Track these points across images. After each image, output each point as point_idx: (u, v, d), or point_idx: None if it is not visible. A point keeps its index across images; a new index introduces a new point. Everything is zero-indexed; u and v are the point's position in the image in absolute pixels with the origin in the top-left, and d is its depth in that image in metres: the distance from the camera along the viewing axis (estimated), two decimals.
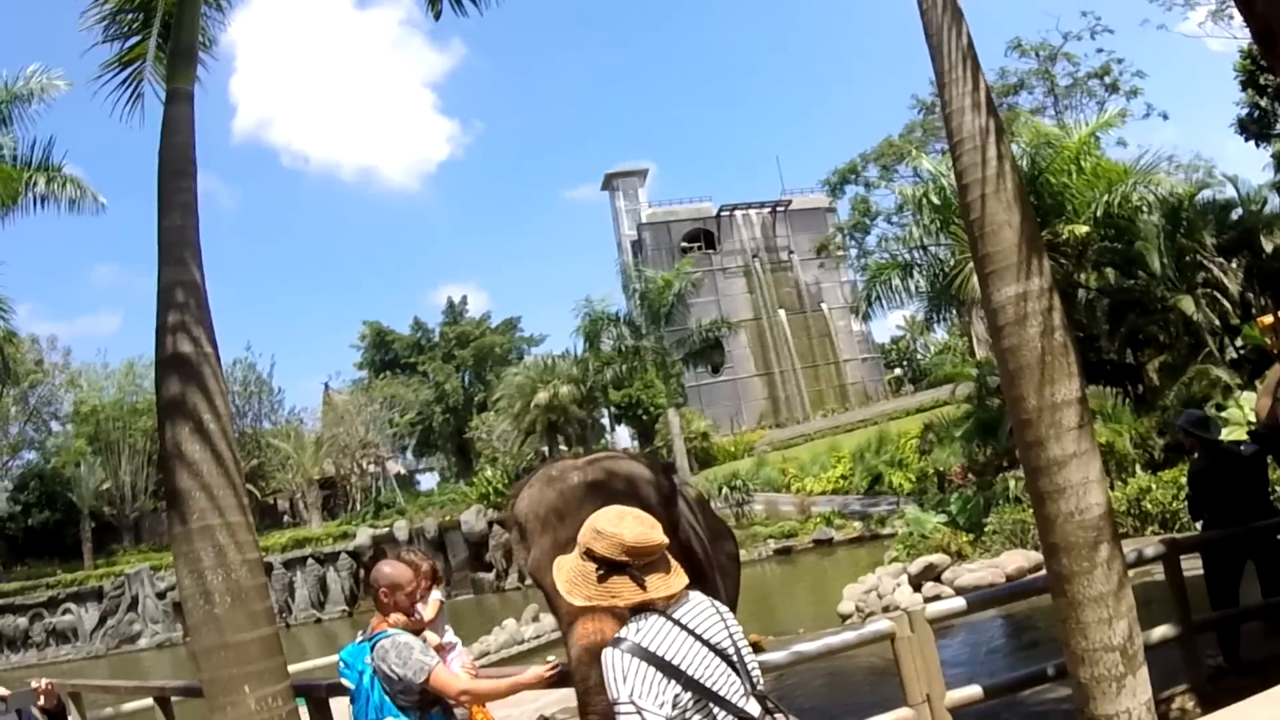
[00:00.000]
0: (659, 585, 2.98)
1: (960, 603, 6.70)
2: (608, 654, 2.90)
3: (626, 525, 3.01)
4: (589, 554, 3.02)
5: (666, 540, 3.06)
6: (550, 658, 4.05)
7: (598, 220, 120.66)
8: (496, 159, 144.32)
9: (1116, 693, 5.35)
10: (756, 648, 5.47)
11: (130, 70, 8.11)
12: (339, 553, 41.41)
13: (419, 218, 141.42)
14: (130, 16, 7.89)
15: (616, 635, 2.96)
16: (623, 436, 60.00)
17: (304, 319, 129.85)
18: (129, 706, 9.87)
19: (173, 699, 8.64)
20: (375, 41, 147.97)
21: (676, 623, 2.96)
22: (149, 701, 8.94)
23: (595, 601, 3.02)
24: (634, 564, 2.97)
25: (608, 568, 2.99)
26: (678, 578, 3.03)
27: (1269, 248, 19.57)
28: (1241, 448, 7.99)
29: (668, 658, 2.87)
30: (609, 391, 49.61)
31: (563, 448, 45.05)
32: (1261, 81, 24.32)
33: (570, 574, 3.08)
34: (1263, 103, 25.61)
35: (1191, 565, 7.17)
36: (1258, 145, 27.32)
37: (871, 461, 36.90)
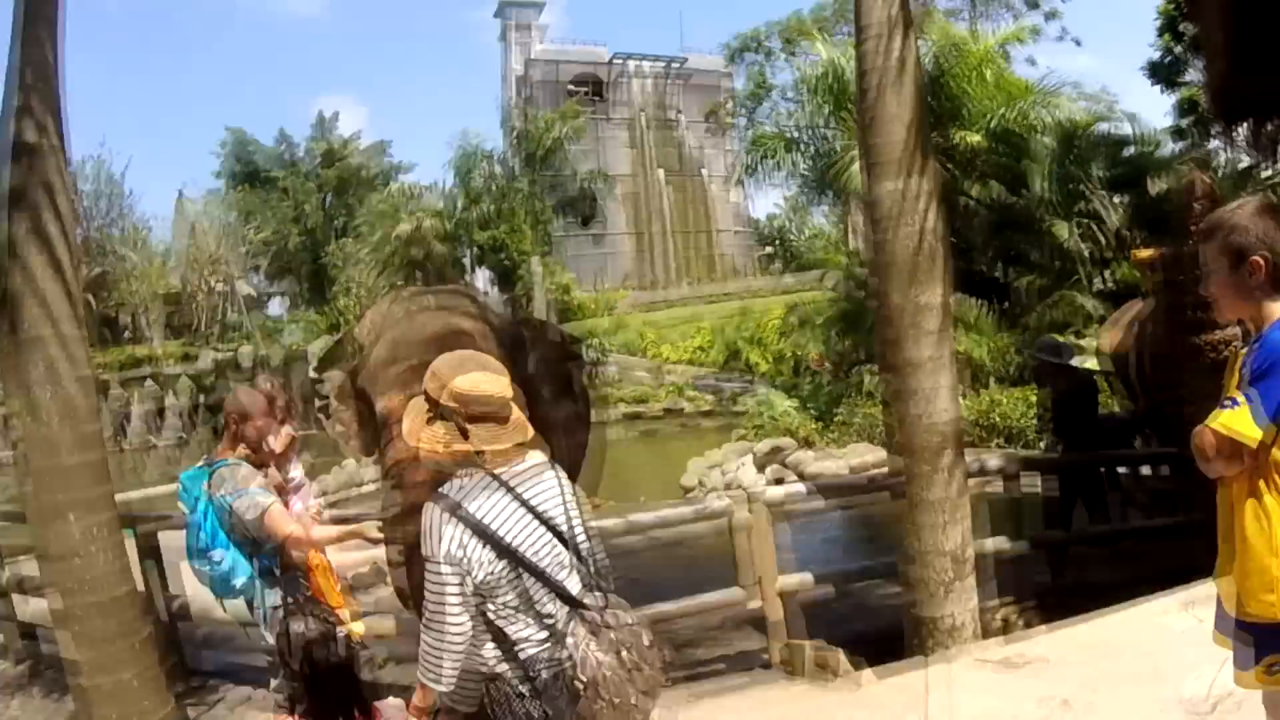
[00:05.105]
0: (484, 437, 2.84)
1: (801, 489, 6.84)
2: (427, 509, 2.82)
3: (463, 372, 2.87)
4: (425, 395, 2.92)
5: (507, 394, 2.91)
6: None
7: (489, 54, 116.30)
8: None
9: (944, 596, 5.57)
10: (594, 513, 5.40)
11: None
12: (180, 375, 39.51)
13: (308, 30, 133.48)
14: None
15: (439, 490, 2.86)
16: (482, 280, 58.98)
17: (169, 123, 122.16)
18: None
19: None
20: None
21: (504, 485, 2.87)
22: None
23: (424, 445, 2.89)
24: (460, 411, 2.83)
25: (435, 411, 2.88)
26: (512, 433, 2.90)
27: (1154, 190, 19.91)
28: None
29: (486, 520, 2.78)
30: (474, 231, 48.32)
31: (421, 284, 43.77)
32: (1180, 29, 24.77)
33: (411, 413, 2.98)
34: (1177, 50, 26.12)
35: (1028, 483, 7.37)
36: (1164, 90, 27.99)
37: (731, 336, 36.96)
